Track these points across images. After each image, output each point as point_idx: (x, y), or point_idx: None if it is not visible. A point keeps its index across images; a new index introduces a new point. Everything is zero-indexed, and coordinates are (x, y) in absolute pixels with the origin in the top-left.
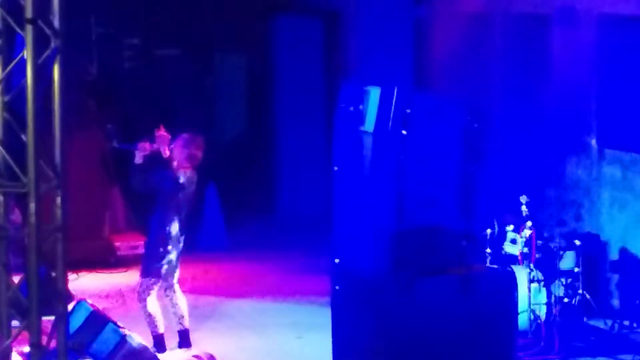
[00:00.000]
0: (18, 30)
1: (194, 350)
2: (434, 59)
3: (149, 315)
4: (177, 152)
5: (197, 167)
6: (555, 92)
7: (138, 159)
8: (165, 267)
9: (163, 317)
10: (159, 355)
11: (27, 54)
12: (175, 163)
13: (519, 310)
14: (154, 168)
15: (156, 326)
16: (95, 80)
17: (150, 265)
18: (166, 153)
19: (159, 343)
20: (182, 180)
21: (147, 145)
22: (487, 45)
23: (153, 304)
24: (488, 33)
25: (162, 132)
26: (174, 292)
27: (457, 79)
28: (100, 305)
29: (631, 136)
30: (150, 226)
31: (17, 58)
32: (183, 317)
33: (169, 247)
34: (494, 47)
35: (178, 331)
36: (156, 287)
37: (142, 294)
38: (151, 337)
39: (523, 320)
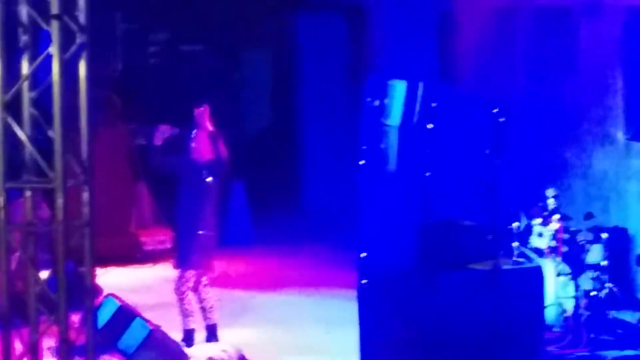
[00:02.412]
0: (44, 26)
1: (221, 345)
2: (459, 53)
3: (186, 309)
4: (199, 142)
5: (220, 158)
6: (581, 85)
7: (157, 140)
8: (200, 257)
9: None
10: (187, 350)
11: (53, 49)
12: (198, 151)
13: (546, 304)
14: (179, 153)
15: (190, 320)
16: (120, 76)
17: (187, 256)
18: (208, 128)
19: (189, 337)
20: (204, 168)
21: (167, 128)
22: (512, 38)
23: (190, 297)
24: (513, 26)
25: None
26: (204, 286)
27: (482, 73)
28: (128, 299)
29: None
30: (180, 216)
31: (44, 54)
32: (211, 311)
33: (202, 234)
34: (519, 40)
35: (206, 325)
36: (194, 279)
37: (181, 287)
38: (180, 330)
39: (550, 313)
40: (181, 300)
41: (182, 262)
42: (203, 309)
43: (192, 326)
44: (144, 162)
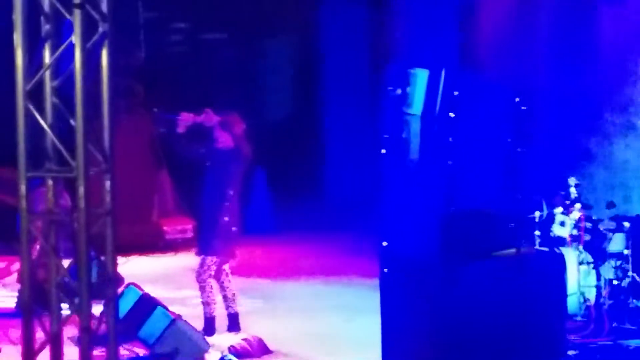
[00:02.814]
0: (66, 14)
1: (242, 334)
2: (481, 41)
3: (207, 296)
4: (239, 131)
5: (242, 144)
6: (602, 73)
7: (181, 128)
8: (222, 244)
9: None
10: (208, 339)
11: (75, 38)
12: (222, 138)
13: (569, 293)
14: (202, 140)
15: (212, 308)
16: (142, 64)
17: (209, 243)
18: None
19: (210, 326)
20: (227, 156)
21: (190, 116)
22: (534, 26)
23: (212, 285)
24: (535, 13)
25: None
26: (226, 274)
27: (504, 61)
28: (149, 289)
29: None
30: (203, 203)
31: (66, 43)
32: (233, 300)
33: (226, 221)
34: (541, 27)
35: (227, 314)
36: (215, 267)
37: (202, 274)
38: (202, 319)
39: (572, 302)
40: (202, 287)
41: (204, 248)
42: (225, 298)
43: (213, 314)
44: (166, 151)
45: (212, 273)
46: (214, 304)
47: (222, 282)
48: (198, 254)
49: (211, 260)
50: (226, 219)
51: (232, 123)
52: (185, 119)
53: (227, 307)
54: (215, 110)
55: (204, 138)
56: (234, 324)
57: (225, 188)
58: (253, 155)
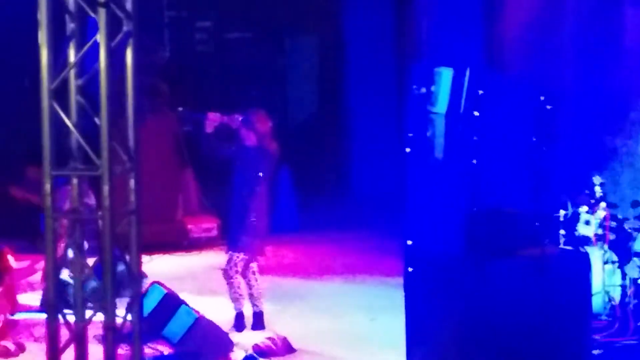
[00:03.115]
0: (91, 13)
1: (267, 333)
2: (506, 40)
3: (235, 292)
4: (261, 128)
5: (268, 142)
6: (628, 71)
7: (208, 128)
8: (250, 241)
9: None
10: (232, 337)
11: (100, 37)
12: (248, 137)
13: (593, 292)
14: (230, 140)
15: (241, 304)
16: (167, 63)
17: (236, 239)
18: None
19: (240, 321)
20: (254, 154)
21: (217, 115)
22: (559, 25)
23: (239, 280)
24: (560, 12)
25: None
26: (253, 272)
27: (530, 59)
28: (174, 287)
29: None
30: (232, 201)
31: (90, 42)
32: (258, 298)
33: (254, 219)
34: (566, 26)
35: (253, 313)
36: (243, 263)
37: (229, 271)
38: (226, 318)
39: (597, 302)
40: (230, 284)
41: (231, 245)
42: (250, 296)
43: (242, 310)
44: (191, 149)
45: (239, 269)
46: (243, 299)
47: (249, 280)
48: (227, 251)
49: (237, 256)
50: (253, 216)
51: (256, 121)
52: (213, 118)
53: (253, 305)
54: (241, 109)
55: (232, 137)
56: (258, 322)
57: (252, 186)
58: (279, 153)
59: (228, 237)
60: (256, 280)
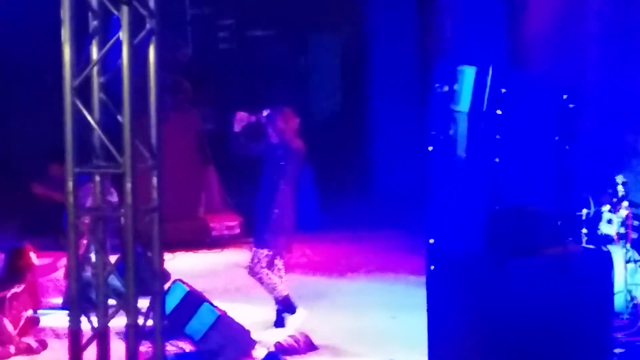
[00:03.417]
0: (114, 11)
1: (288, 330)
2: (529, 38)
3: (269, 283)
4: (281, 125)
5: (293, 139)
6: None
7: (237, 127)
8: (274, 238)
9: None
10: (254, 335)
11: (123, 35)
12: (276, 134)
13: (615, 291)
14: (258, 137)
15: (280, 290)
16: (190, 61)
17: (261, 235)
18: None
19: (288, 304)
20: (282, 150)
21: (245, 115)
22: (582, 23)
23: (267, 272)
24: (583, 10)
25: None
26: (278, 269)
27: (553, 58)
28: (196, 285)
29: None
30: (259, 197)
31: (113, 39)
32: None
33: (278, 216)
34: (589, 24)
35: (276, 310)
36: (267, 259)
37: (254, 268)
38: (248, 316)
39: (619, 301)
40: (260, 279)
41: (256, 241)
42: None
43: (284, 294)
44: (214, 147)
45: (264, 265)
46: (280, 284)
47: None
48: (252, 248)
49: (262, 253)
50: (277, 213)
51: (279, 118)
52: (241, 117)
53: (276, 302)
54: (265, 107)
55: (260, 135)
56: (281, 320)
57: (277, 182)
58: (304, 150)
59: (253, 233)
60: (280, 278)
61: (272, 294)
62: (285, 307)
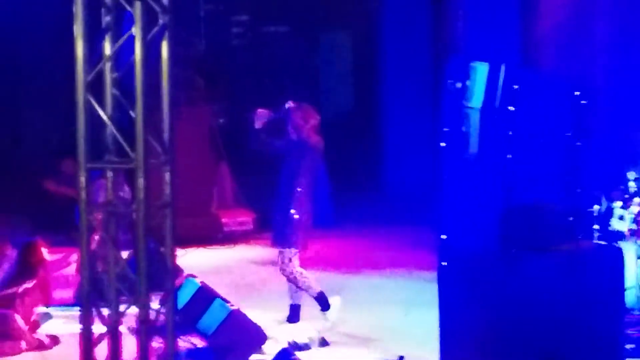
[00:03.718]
0: (127, 6)
1: (302, 326)
2: (542, 34)
3: (304, 281)
4: (297, 120)
5: (310, 135)
6: None
7: (258, 124)
8: (301, 235)
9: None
10: (267, 331)
11: (136, 30)
12: (294, 130)
13: (627, 287)
14: (279, 134)
15: (314, 287)
16: (203, 57)
17: (287, 234)
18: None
19: (324, 300)
20: (300, 147)
21: (265, 112)
22: (593, 20)
23: (301, 270)
24: (594, 7)
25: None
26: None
27: (565, 55)
28: (208, 280)
29: None
30: (277, 195)
31: (126, 35)
32: (297, 291)
33: (296, 214)
34: (600, 22)
35: (290, 305)
36: (297, 258)
37: (286, 268)
38: (259, 311)
39: (630, 296)
40: (294, 279)
41: (278, 241)
42: (290, 288)
43: (319, 290)
44: (226, 143)
45: (296, 264)
46: (314, 281)
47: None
48: (273, 246)
49: (290, 252)
50: (295, 211)
51: (297, 114)
52: (261, 115)
53: (291, 297)
54: (278, 103)
55: (281, 132)
56: (295, 315)
57: (296, 179)
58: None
59: (273, 232)
60: (301, 274)
61: (308, 292)
62: (321, 303)
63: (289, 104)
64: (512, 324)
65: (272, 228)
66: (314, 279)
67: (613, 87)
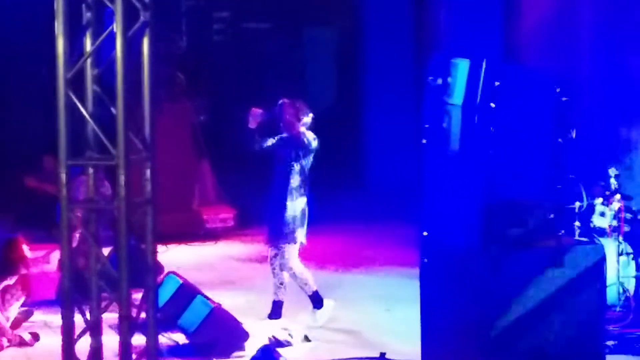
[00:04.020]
0: (108, 3)
1: (283, 322)
2: (524, 30)
3: (302, 279)
4: (288, 117)
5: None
6: None
7: (252, 124)
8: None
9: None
10: (248, 328)
11: (117, 27)
12: (285, 127)
13: (608, 284)
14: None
15: (310, 285)
16: (184, 53)
17: (285, 231)
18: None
19: (318, 299)
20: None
21: (259, 111)
22: (575, 17)
23: (302, 268)
24: (577, 4)
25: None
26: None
27: (547, 51)
28: (189, 277)
29: None
30: (274, 191)
31: (107, 31)
32: (280, 287)
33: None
34: (582, 18)
35: (273, 301)
36: (296, 252)
37: (287, 264)
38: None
39: (612, 293)
40: (293, 275)
41: (281, 237)
42: (275, 284)
43: (315, 288)
44: (208, 140)
45: (297, 260)
46: (311, 279)
47: (274, 268)
48: (269, 244)
49: (290, 247)
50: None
51: (288, 111)
52: (255, 114)
53: (274, 293)
54: (259, 100)
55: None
56: (277, 311)
57: (289, 177)
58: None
59: (269, 230)
60: (282, 270)
61: (304, 289)
62: (315, 301)
63: (282, 101)
64: (493, 320)
65: (268, 226)
66: (311, 276)
67: (595, 84)
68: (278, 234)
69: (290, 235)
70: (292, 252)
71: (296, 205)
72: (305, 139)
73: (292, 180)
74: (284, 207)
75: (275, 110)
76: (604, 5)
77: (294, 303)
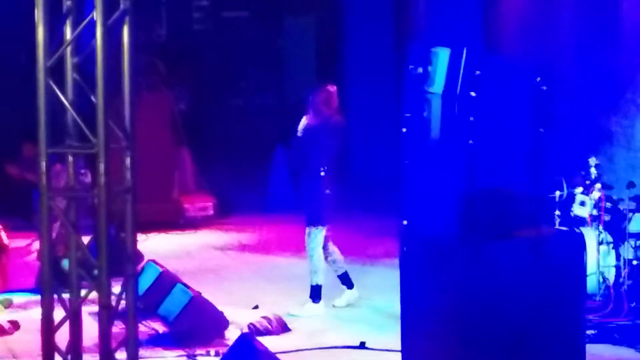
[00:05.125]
0: None
1: (261, 312)
2: (504, 20)
3: (313, 265)
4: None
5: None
6: (624, 54)
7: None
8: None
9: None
10: (228, 316)
11: (97, 15)
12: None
13: (588, 273)
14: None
15: (317, 278)
16: (164, 42)
17: (318, 213)
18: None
19: (315, 293)
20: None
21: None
22: (556, 6)
23: (321, 254)
24: None
25: None
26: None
27: (527, 41)
28: (169, 266)
29: None
30: (309, 175)
31: (87, 19)
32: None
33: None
34: (564, 8)
35: (339, 276)
36: (323, 237)
37: (309, 244)
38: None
39: (592, 282)
40: (310, 257)
41: (312, 219)
42: (333, 262)
43: (319, 282)
44: (187, 128)
45: (319, 243)
46: (321, 273)
47: (328, 249)
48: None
49: (318, 229)
50: (328, 190)
51: (319, 99)
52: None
53: (336, 269)
54: (240, 88)
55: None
56: (347, 281)
57: (323, 161)
58: (273, 135)
59: (305, 212)
60: (334, 246)
61: (310, 276)
62: (313, 293)
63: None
64: (473, 310)
65: (304, 209)
66: (324, 269)
67: (576, 73)
68: (314, 215)
69: (323, 216)
70: (320, 235)
71: (333, 189)
72: (337, 123)
73: (324, 163)
74: (318, 190)
75: (308, 102)
76: None
77: (270, 292)
